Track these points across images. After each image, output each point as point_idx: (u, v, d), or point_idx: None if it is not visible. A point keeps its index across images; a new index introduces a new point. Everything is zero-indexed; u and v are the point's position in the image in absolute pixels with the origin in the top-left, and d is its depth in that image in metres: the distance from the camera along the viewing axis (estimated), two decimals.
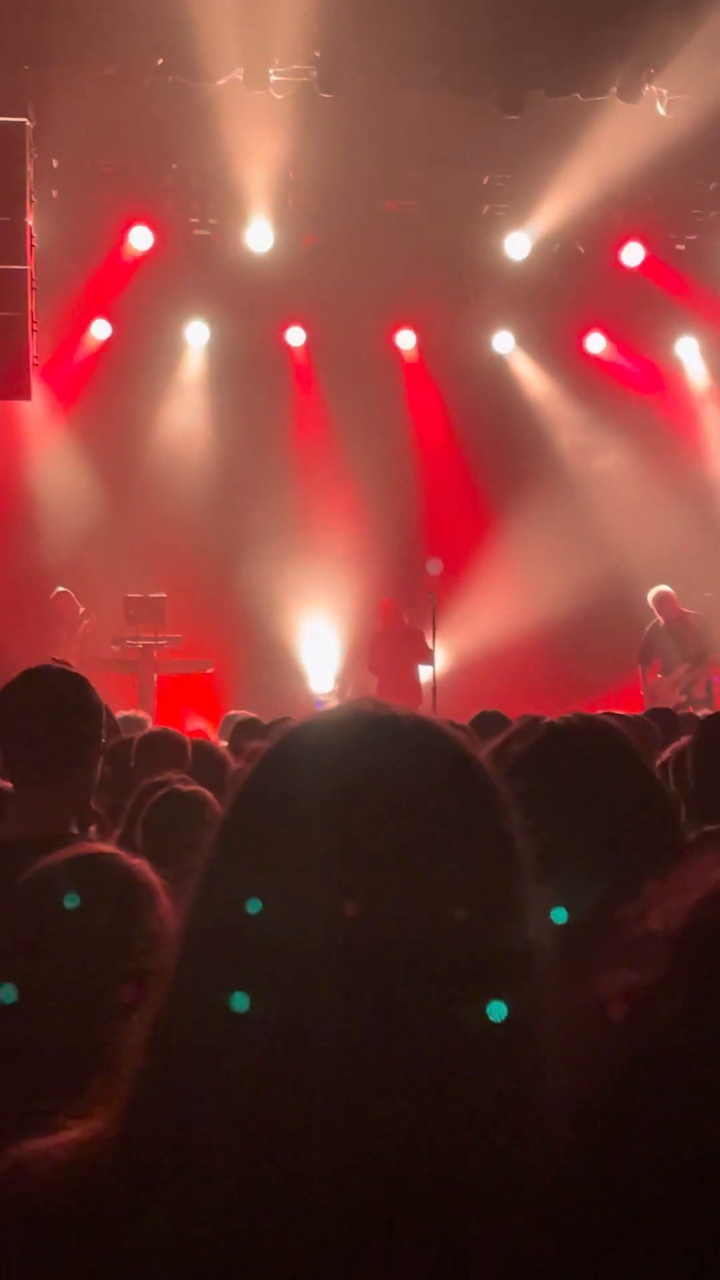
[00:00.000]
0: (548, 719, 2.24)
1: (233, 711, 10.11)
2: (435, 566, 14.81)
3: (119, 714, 9.65)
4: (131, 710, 10.23)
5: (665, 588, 14.56)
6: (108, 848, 2.36)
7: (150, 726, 8.51)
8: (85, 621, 13.72)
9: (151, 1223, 1.22)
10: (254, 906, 1.24)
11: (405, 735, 1.32)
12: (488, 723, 6.20)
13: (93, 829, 3.65)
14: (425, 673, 14.91)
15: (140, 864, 2.20)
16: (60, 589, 14.69)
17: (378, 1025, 1.20)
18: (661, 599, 14.49)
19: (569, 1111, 0.95)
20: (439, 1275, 1.13)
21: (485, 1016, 1.20)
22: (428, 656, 14.81)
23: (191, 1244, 1.20)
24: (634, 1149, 0.85)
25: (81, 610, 14.55)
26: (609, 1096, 0.90)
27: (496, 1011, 1.21)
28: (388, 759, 1.29)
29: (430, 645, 14.70)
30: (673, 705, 12.95)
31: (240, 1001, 1.21)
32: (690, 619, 14.45)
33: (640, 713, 8.82)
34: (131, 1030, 1.31)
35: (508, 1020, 1.19)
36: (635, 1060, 0.88)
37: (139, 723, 9.15)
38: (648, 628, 14.58)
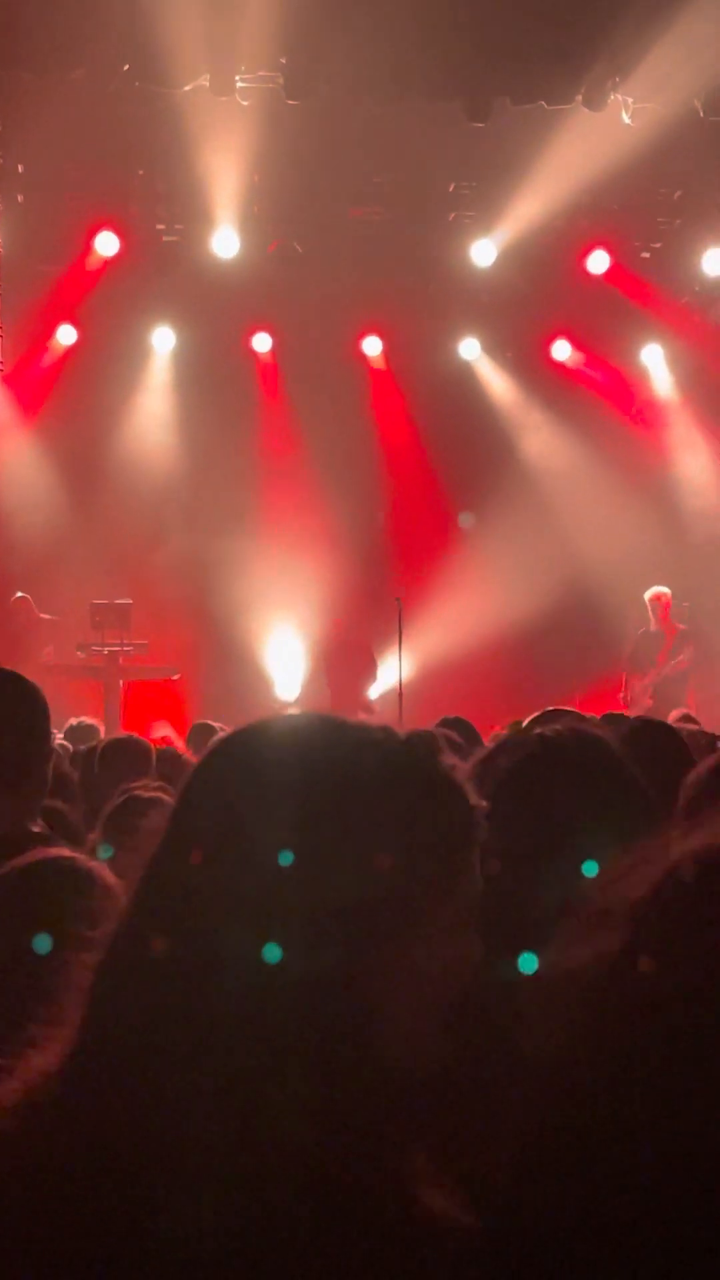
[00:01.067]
0: (538, 731, 2.25)
1: (200, 721, 10.11)
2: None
3: (71, 721, 9.61)
4: (83, 718, 10.18)
5: (662, 589, 14.70)
6: (65, 851, 2.38)
7: (102, 734, 8.49)
8: (48, 650, 13.68)
9: (93, 1155, 1.28)
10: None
11: (342, 732, 1.44)
12: (451, 729, 6.20)
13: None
14: (380, 677, 15.06)
15: (99, 867, 2.22)
16: (19, 594, 14.61)
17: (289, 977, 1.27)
18: (654, 600, 14.65)
19: (530, 1084, 0.97)
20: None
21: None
22: (371, 672, 14.99)
23: (127, 1178, 1.24)
24: (589, 1124, 0.86)
25: (47, 617, 14.44)
26: (568, 1066, 0.91)
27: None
28: (325, 753, 1.40)
29: (375, 662, 14.89)
30: (643, 710, 13.04)
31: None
32: (675, 633, 14.59)
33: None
34: (75, 982, 1.40)
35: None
36: (596, 1031, 0.89)
37: (89, 730, 9.11)
38: (638, 632, 14.71)
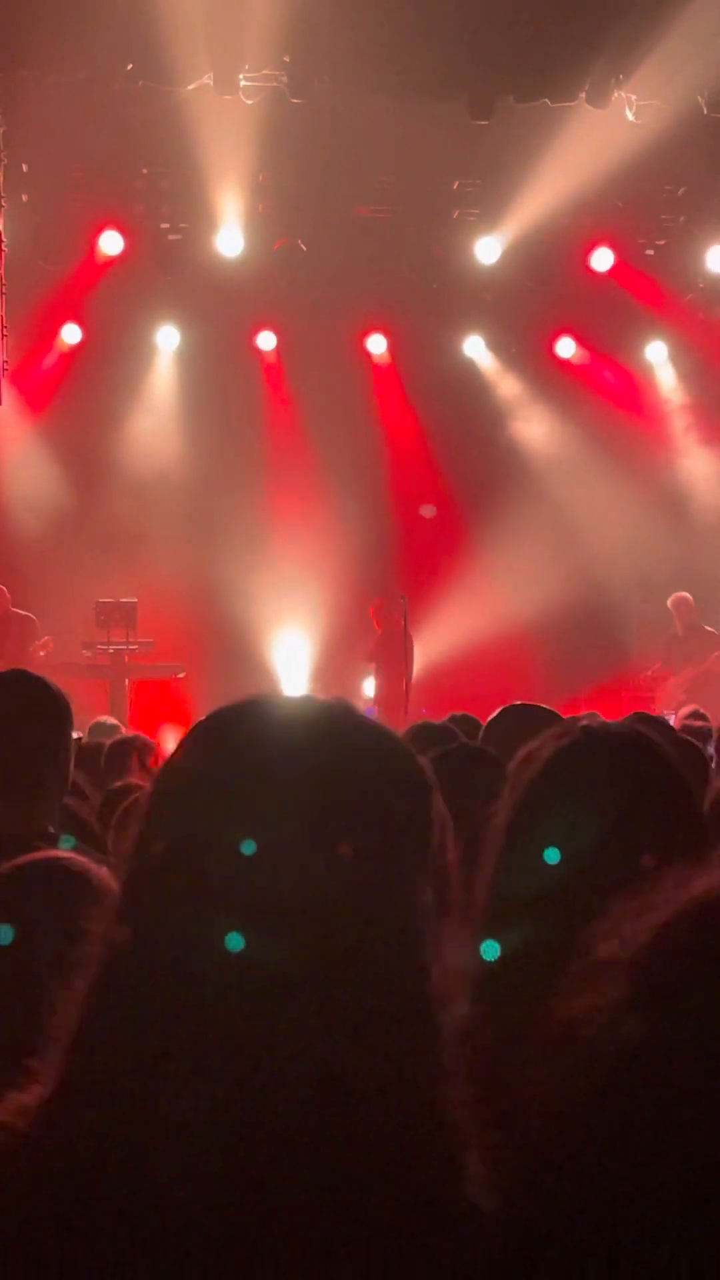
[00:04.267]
0: (583, 722, 2.23)
1: None
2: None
3: (96, 720, 9.66)
4: (103, 717, 10.21)
5: (683, 595, 14.79)
6: (66, 853, 2.39)
7: (122, 732, 8.51)
8: (42, 653, 13.56)
9: (82, 1183, 1.27)
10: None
11: (327, 718, 1.42)
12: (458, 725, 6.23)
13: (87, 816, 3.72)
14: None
15: (94, 868, 2.22)
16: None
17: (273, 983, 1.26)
18: (677, 603, 14.73)
19: (525, 1133, 0.97)
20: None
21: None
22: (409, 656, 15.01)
23: (119, 1208, 1.24)
24: (588, 1172, 0.86)
25: (21, 613, 14.21)
26: (567, 1118, 0.91)
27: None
28: (306, 736, 1.38)
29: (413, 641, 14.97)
30: (674, 706, 13.06)
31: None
32: (703, 632, 14.64)
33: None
34: (65, 1006, 1.38)
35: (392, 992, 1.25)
36: (592, 1083, 0.89)
37: (109, 729, 9.14)
38: (664, 636, 14.77)
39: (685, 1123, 0.83)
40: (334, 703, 1.45)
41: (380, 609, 15.41)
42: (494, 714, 4.97)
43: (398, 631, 14.95)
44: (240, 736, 1.40)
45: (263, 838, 1.31)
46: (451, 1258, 1.00)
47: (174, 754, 1.44)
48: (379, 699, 14.85)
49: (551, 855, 1.85)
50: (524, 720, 4.80)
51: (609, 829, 1.99)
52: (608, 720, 2.33)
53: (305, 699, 1.49)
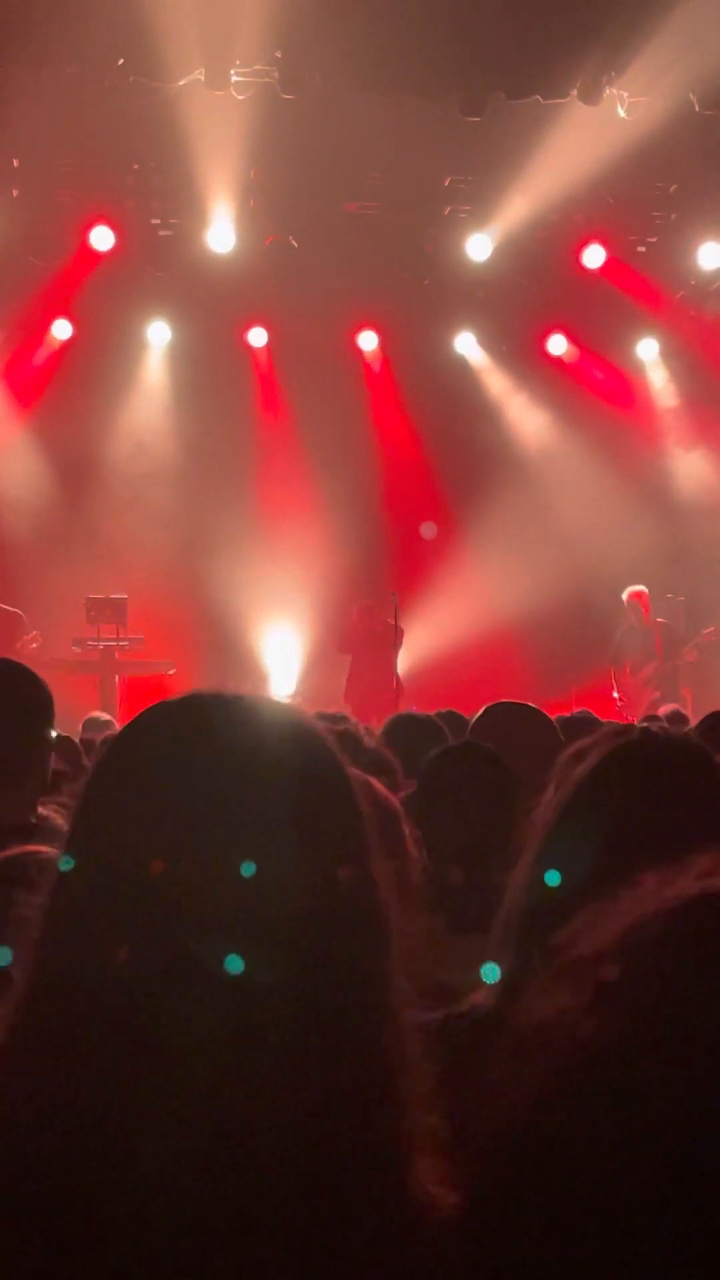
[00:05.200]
0: (640, 726, 2.20)
1: None
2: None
3: (89, 716, 9.67)
4: (96, 712, 10.21)
5: (639, 588, 14.74)
6: (44, 847, 2.39)
7: (115, 729, 8.51)
8: (34, 645, 13.53)
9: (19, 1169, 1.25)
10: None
11: (252, 713, 1.40)
12: (445, 721, 6.23)
13: (60, 820, 3.70)
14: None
15: None
16: None
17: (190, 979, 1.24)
18: (635, 599, 14.69)
19: (492, 1130, 0.96)
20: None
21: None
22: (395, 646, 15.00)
23: (49, 1183, 1.23)
24: (551, 1175, 0.85)
25: (4, 608, 14.20)
26: (530, 1119, 0.91)
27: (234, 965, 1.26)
28: (234, 733, 1.37)
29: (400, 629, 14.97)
30: (646, 704, 13.07)
31: (235, 963, 1.26)
32: (659, 627, 14.62)
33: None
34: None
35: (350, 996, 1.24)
36: (557, 1084, 0.89)
37: (103, 724, 9.15)
38: (620, 630, 14.74)
39: (640, 1123, 0.82)
40: (256, 700, 1.44)
41: (366, 611, 15.40)
42: (479, 711, 4.96)
43: (386, 629, 14.98)
44: (158, 744, 1.39)
45: (181, 842, 1.30)
46: (410, 1257, 0.99)
47: (105, 754, 1.42)
48: (353, 695, 14.79)
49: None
50: (511, 718, 4.79)
51: (657, 835, 1.96)
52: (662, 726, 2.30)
53: (245, 699, 1.44)
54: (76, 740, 7.13)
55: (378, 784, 2.90)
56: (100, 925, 1.29)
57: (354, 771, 1.42)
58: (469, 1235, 0.90)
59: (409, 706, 12.60)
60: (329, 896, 1.29)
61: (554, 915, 1.37)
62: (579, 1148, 0.83)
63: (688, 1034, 0.86)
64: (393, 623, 14.96)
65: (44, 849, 2.26)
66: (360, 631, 15.27)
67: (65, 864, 1.35)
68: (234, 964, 1.25)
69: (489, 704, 5.00)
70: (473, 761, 3.67)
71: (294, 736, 1.39)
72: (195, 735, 1.37)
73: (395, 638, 14.98)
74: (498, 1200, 0.88)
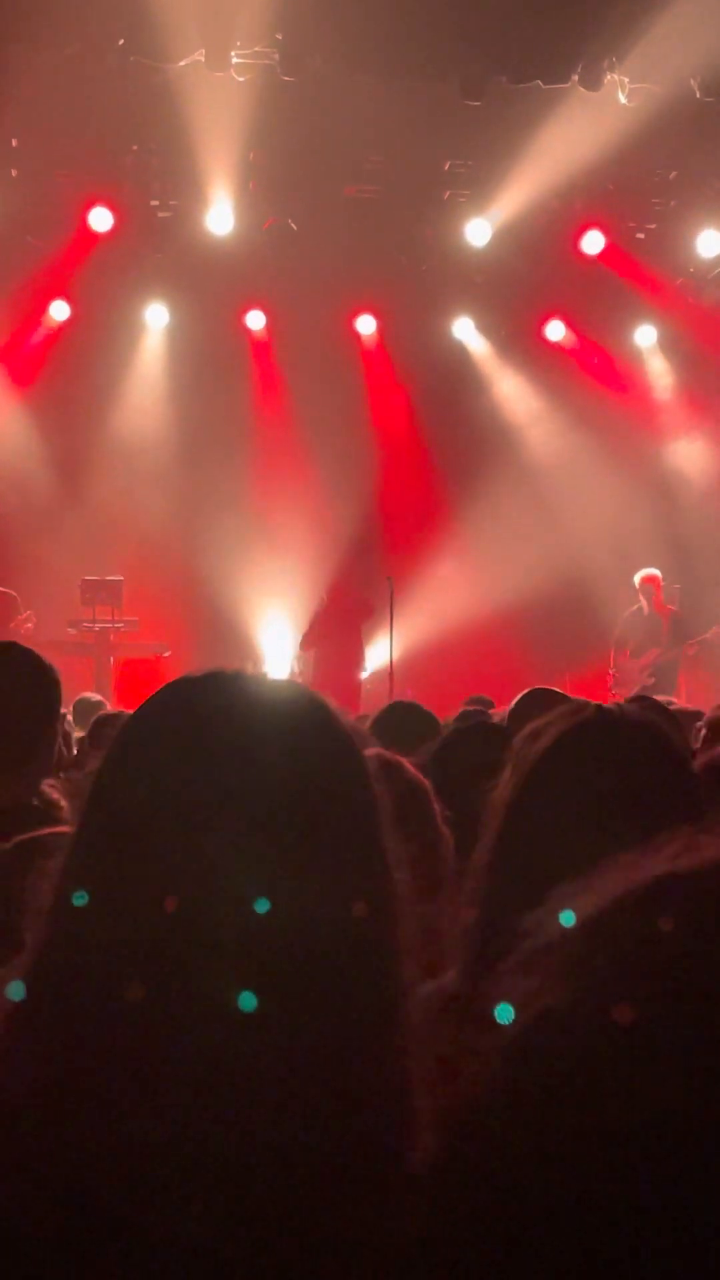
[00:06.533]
0: (595, 704, 2.20)
1: None
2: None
3: (79, 696, 9.67)
4: (89, 694, 10.21)
5: (654, 571, 14.62)
6: (60, 829, 2.39)
7: (107, 709, 8.51)
8: (28, 625, 13.48)
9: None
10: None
11: (275, 698, 1.39)
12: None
13: (65, 804, 3.72)
14: (371, 654, 15.05)
15: None
16: None
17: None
18: (648, 582, 14.56)
19: (449, 1113, 0.96)
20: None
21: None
22: (369, 614, 14.92)
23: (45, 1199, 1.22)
24: (499, 1140, 0.86)
25: (2, 589, 14.15)
26: (484, 1087, 0.91)
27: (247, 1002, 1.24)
28: (254, 719, 1.35)
29: (364, 637, 14.87)
30: (638, 689, 13.04)
31: (249, 1001, 1.23)
32: (669, 614, 14.57)
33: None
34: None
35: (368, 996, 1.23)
36: (514, 1070, 0.89)
37: (94, 705, 9.15)
38: (627, 613, 14.69)
39: (614, 1094, 0.83)
40: (286, 686, 1.43)
41: (339, 592, 15.36)
42: (518, 698, 4.96)
43: (358, 609, 15.00)
44: (189, 724, 1.36)
45: (210, 829, 1.28)
46: (391, 1227, 1.01)
47: (124, 731, 1.40)
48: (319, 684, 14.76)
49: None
50: (548, 706, 4.78)
51: (615, 811, 1.94)
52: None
53: (262, 680, 1.43)
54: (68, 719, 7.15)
55: (408, 764, 2.89)
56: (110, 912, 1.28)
57: (383, 753, 1.41)
58: (438, 1203, 0.91)
59: (404, 694, 12.61)
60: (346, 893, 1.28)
61: (517, 894, 1.37)
62: (540, 1118, 0.84)
63: (662, 1010, 0.86)
64: (371, 604, 14.97)
65: (60, 829, 2.26)
66: (327, 620, 15.21)
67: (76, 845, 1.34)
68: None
69: (527, 690, 5.01)
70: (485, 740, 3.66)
71: (312, 718, 1.38)
72: (216, 712, 1.35)
73: (363, 616, 14.94)
74: (461, 1174, 0.88)
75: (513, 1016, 1.17)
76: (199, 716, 1.35)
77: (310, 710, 1.39)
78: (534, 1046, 0.87)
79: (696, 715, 6.87)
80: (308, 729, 1.36)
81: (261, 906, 1.23)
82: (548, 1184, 0.82)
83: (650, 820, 1.91)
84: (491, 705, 6.90)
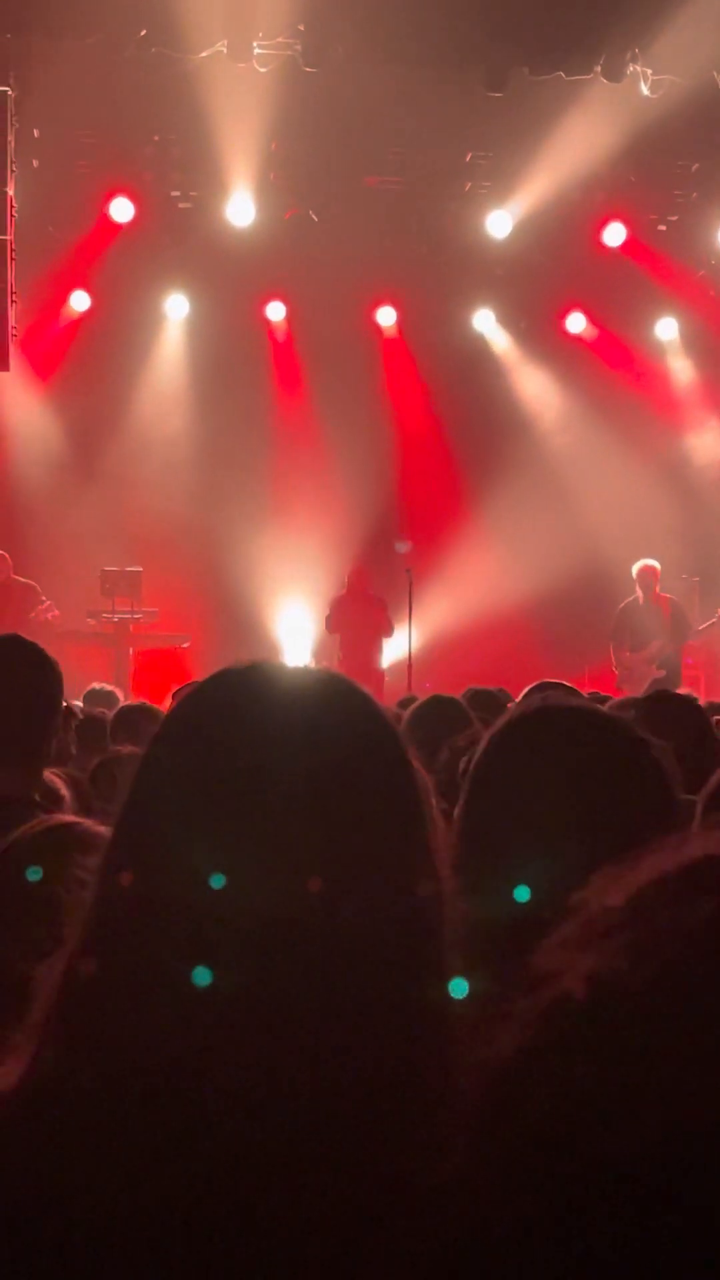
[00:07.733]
0: (540, 698, 2.15)
1: None
2: (403, 546, 14.87)
3: (91, 686, 9.66)
4: (102, 683, 10.19)
5: (653, 562, 14.51)
6: (69, 818, 2.40)
7: (122, 701, 8.53)
8: (50, 615, 13.45)
9: (52, 1172, 1.26)
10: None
11: (317, 688, 1.41)
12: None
13: (67, 795, 3.73)
14: (390, 646, 15.02)
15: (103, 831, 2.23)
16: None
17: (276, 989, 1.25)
18: (647, 572, 14.44)
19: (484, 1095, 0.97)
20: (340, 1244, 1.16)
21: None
22: (387, 628, 14.88)
23: (90, 1197, 1.23)
24: (554, 1135, 0.86)
25: (22, 580, 14.05)
26: (510, 1075, 0.91)
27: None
28: (297, 709, 1.37)
29: (391, 619, 14.80)
30: (649, 682, 12.99)
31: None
32: (667, 602, 14.48)
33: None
34: (42, 985, 1.36)
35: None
36: (547, 1041, 0.89)
37: (105, 695, 9.14)
38: (623, 604, 14.59)
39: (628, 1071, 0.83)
40: (329, 675, 1.45)
41: (357, 575, 15.34)
42: (524, 691, 4.95)
43: (362, 598, 15.00)
44: (232, 716, 1.38)
45: (255, 825, 1.30)
46: (420, 1233, 1.01)
47: (166, 723, 1.41)
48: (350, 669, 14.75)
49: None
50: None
51: (559, 806, 1.88)
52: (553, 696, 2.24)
53: (304, 670, 1.48)
54: (77, 709, 7.15)
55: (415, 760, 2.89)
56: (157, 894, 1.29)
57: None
58: (464, 1203, 0.92)
59: (422, 686, 12.59)
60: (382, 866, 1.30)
61: (469, 893, 1.39)
62: (598, 1072, 0.84)
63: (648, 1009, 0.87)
64: (374, 594, 14.99)
65: (85, 821, 2.27)
66: (344, 604, 15.18)
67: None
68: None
69: (533, 684, 4.99)
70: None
71: (352, 704, 1.40)
72: (262, 700, 1.38)
73: (379, 616, 14.95)
74: (487, 1168, 0.89)
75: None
76: (246, 705, 1.37)
77: (350, 697, 1.41)
78: (587, 1010, 0.87)
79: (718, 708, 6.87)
80: (350, 715, 1.39)
81: (314, 886, 1.25)
82: (600, 1139, 0.82)
83: (605, 813, 1.88)
84: (501, 698, 6.85)
